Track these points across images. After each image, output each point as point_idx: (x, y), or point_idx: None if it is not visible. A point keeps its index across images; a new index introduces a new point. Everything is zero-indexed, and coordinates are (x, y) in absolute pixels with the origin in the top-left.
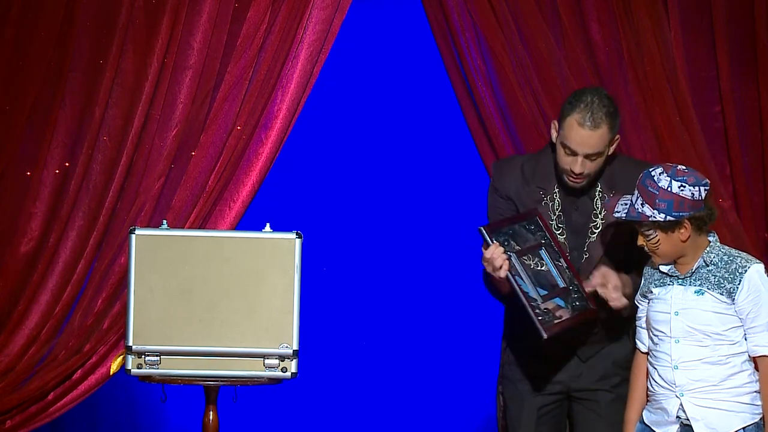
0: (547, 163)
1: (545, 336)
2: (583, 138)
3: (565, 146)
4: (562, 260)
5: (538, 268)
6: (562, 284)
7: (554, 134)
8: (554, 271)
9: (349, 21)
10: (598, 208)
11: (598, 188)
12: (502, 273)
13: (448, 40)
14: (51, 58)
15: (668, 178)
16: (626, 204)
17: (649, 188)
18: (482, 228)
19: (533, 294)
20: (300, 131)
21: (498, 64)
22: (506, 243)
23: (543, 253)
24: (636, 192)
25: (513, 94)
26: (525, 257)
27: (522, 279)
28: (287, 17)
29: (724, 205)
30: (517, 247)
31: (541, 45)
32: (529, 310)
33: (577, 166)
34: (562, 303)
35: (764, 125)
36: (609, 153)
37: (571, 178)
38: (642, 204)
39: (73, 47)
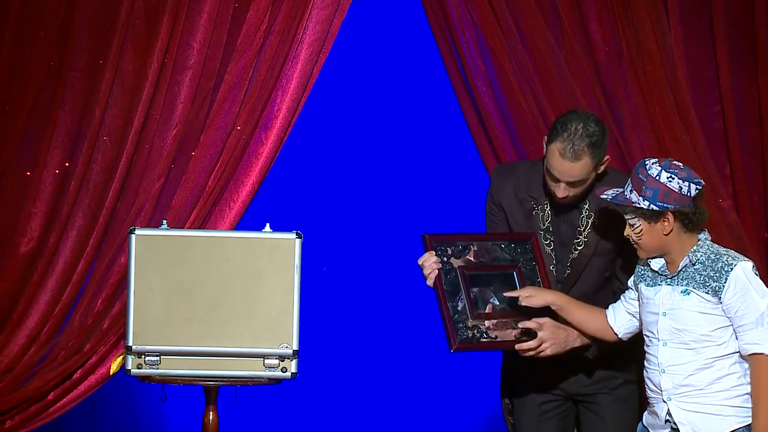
0: (542, 173)
1: (450, 349)
2: (564, 168)
3: (548, 171)
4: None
5: (489, 286)
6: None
7: (544, 149)
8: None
9: (349, 21)
10: (582, 225)
11: (586, 205)
12: (429, 282)
13: (448, 40)
14: (51, 58)
15: (659, 168)
16: (618, 190)
17: (639, 175)
18: (425, 235)
19: (461, 308)
20: (300, 131)
21: (498, 64)
22: (453, 255)
23: (514, 274)
24: (629, 179)
25: (513, 94)
26: (475, 272)
27: (455, 292)
28: (287, 17)
29: (723, 205)
30: (473, 261)
31: (541, 45)
32: (445, 320)
33: (560, 191)
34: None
35: (764, 125)
36: (598, 172)
37: (556, 198)
38: (630, 190)
39: (73, 47)
